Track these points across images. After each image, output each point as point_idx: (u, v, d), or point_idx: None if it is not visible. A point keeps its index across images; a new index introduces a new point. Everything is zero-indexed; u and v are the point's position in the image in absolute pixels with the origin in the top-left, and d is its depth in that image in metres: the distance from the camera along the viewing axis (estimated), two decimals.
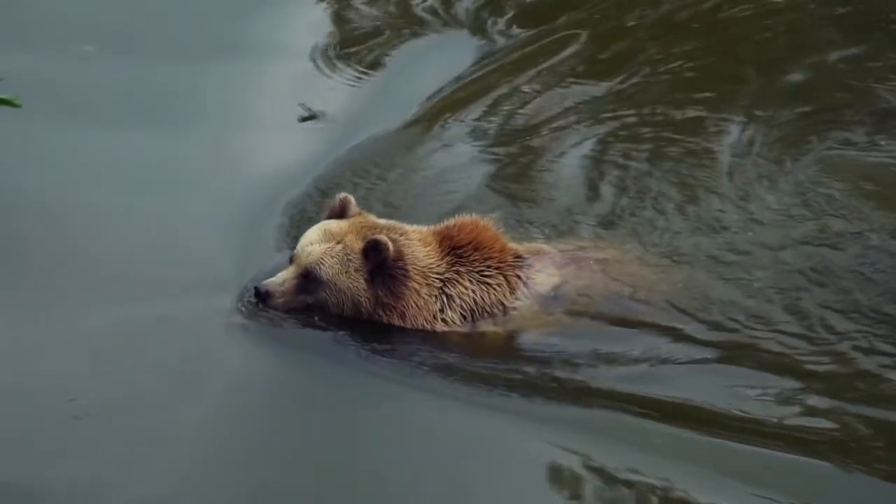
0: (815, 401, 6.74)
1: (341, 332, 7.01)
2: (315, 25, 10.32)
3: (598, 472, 6.30)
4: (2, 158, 7.95)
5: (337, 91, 9.55)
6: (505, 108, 9.42)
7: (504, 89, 9.63)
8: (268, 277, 7.02)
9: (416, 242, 7.00)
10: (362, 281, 6.88)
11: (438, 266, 7.00)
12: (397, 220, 7.33)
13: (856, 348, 7.04)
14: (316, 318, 7.03)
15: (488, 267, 7.07)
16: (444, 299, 6.97)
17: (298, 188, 8.24)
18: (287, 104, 9.33)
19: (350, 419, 6.61)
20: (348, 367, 6.92)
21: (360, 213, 7.10)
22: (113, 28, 9.79)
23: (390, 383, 6.84)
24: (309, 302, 6.94)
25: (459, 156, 8.79)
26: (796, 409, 6.70)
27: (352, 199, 7.11)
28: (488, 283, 7.04)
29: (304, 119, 9.05)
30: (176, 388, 6.66)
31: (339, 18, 10.53)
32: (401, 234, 7.00)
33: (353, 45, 10.14)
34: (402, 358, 6.95)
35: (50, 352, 6.83)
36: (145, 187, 8.26)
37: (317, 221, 7.24)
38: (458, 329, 7.02)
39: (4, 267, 7.34)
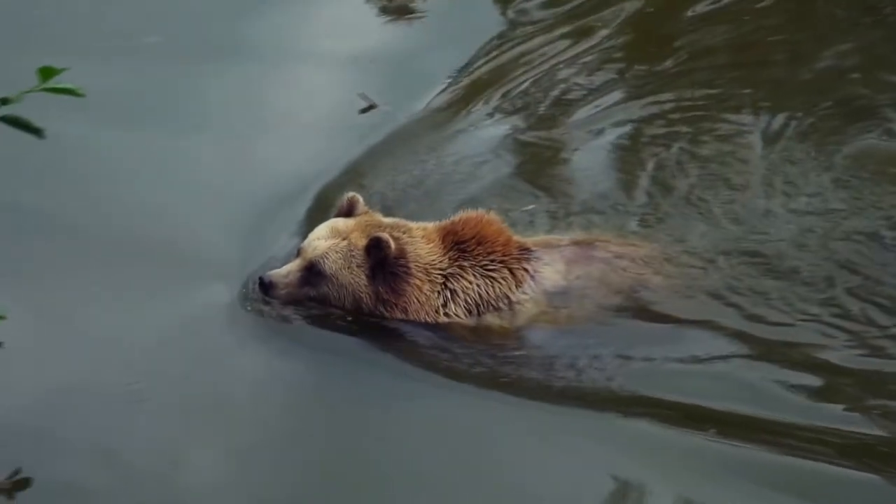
0: (855, 404, 6.51)
1: (356, 325, 7.08)
2: (338, 17, 10.26)
3: (608, 473, 6.24)
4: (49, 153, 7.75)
5: (371, 77, 9.49)
6: (533, 92, 9.27)
7: (535, 74, 9.49)
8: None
9: (420, 240, 7.06)
10: (364, 277, 6.98)
11: (441, 262, 7.04)
12: (427, 212, 7.55)
13: None
14: (348, 318, 7.11)
15: (492, 261, 7.06)
16: (448, 294, 7.01)
17: (332, 180, 8.33)
18: (320, 98, 9.36)
19: (364, 415, 6.66)
20: (362, 362, 6.99)
21: (366, 212, 7.20)
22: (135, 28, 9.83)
23: (403, 378, 6.87)
24: (311, 295, 7.06)
25: (488, 141, 8.75)
26: (832, 411, 6.47)
27: (359, 198, 7.22)
28: (492, 277, 7.04)
29: (363, 110, 9.06)
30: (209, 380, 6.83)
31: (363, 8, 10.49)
32: (404, 232, 7.07)
33: (378, 34, 10.10)
34: (411, 353, 6.99)
35: (96, 342, 7.01)
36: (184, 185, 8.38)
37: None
38: (463, 322, 7.04)
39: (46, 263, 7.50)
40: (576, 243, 7.23)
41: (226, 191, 8.24)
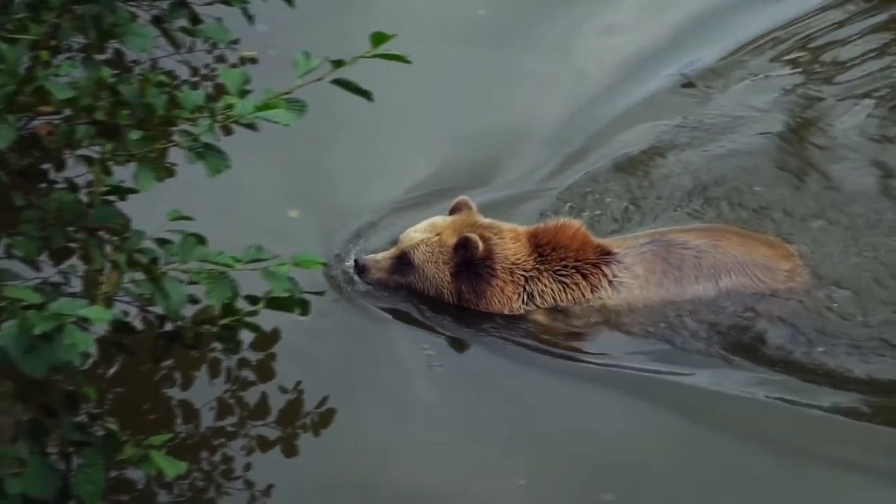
0: None
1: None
2: None
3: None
4: None
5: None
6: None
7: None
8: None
9: (509, 241, 7.37)
10: (448, 274, 7.33)
11: (526, 263, 7.34)
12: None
13: None
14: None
15: (564, 266, 7.34)
16: (526, 296, 7.34)
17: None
18: None
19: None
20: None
21: (469, 213, 7.52)
22: None
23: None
24: (400, 282, 7.43)
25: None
26: None
27: (469, 201, 7.54)
28: (564, 282, 7.33)
29: (684, 86, 9.16)
30: None
31: None
32: (495, 233, 7.38)
33: None
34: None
35: None
36: None
37: None
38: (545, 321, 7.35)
39: None
40: (656, 241, 7.38)
41: None
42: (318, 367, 6.98)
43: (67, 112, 4.73)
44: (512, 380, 7.03)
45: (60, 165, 5.19)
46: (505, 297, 7.27)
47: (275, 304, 5.10)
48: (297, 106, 4.76)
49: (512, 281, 7.27)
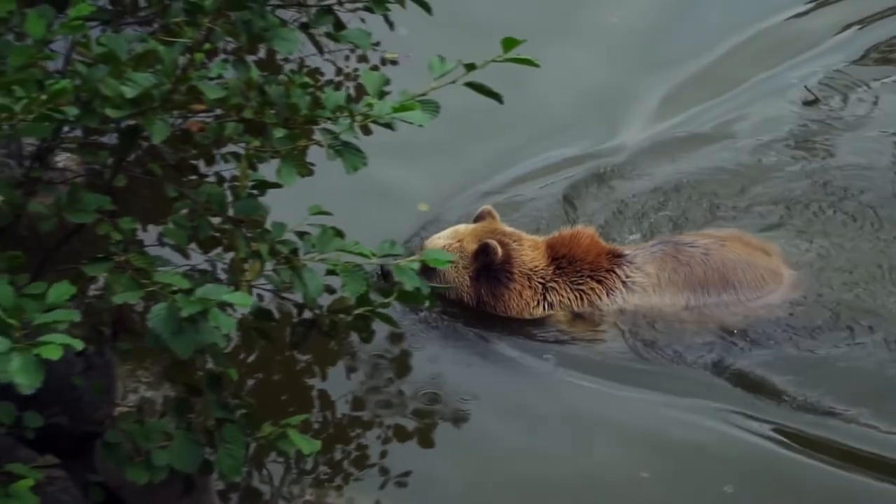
0: None
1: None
2: None
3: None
4: None
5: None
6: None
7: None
8: None
9: (528, 248, 7.61)
10: (468, 279, 7.56)
11: (544, 271, 7.58)
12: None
13: None
14: None
15: (580, 277, 7.58)
16: (546, 305, 7.56)
17: None
18: None
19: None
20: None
21: (492, 221, 7.74)
22: None
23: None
24: None
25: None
26: None
27: (492, 210, 7.77)
28: (581, 290, 7.56)
29: (807, 103, 9.21)
30: None
31: None
32: (514, 240, 7.64)
33: None
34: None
35: None
36: None
37: None
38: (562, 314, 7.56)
39: None
40: (665, 242, 7.61)
41: None
42: (451, 365, 7.24)
43: (218, 111, 5.03)
44: (619, 378, 7.23)
45: (210, 160, 5.48)
46: (523, 302, 7.52)
47: (404, 297, 5.32)
48: (431, 107, 4.98)
49: (529, 286, 7.53)
